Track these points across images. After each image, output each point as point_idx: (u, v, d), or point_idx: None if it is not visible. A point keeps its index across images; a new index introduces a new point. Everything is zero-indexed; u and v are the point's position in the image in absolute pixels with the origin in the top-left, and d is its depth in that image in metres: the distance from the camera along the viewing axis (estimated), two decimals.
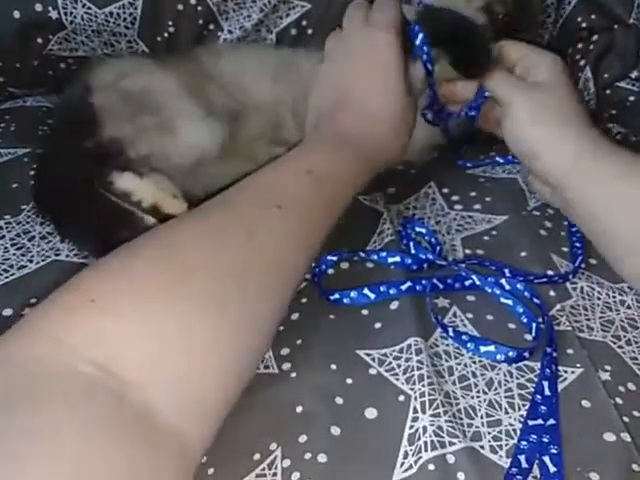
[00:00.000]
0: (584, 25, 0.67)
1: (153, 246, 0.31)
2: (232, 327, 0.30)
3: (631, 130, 0.62)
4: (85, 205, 0.45)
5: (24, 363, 0.25)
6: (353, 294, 0.41)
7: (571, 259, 0.46)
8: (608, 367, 0.37)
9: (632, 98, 0.65)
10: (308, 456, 0.33)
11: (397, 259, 0.44)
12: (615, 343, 0.39)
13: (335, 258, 0.45)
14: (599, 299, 0.42)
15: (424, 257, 0.45)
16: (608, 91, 0.66)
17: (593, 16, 0.66)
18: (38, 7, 0.56)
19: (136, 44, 0.60)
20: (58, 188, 0.46)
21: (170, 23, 0.59)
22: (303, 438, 0.34)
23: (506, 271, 0.44)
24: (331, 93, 0.44)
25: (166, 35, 0.60)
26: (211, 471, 0.33)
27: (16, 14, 0.56)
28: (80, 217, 0.45)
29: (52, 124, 0.55)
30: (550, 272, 0.44)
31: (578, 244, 0.46)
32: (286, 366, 0.38)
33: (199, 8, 0.59)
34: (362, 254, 0.45)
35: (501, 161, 0.57)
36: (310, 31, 0.62)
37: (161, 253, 0.31)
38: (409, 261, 0.44)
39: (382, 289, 0.41)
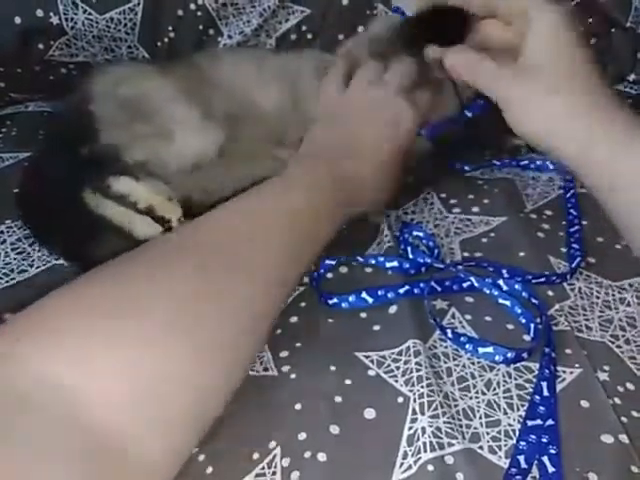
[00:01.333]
0: (581, 28, 0.67)
1: (118, 269, 0.32)
2: (189, 349, 0.30)
3: None
4: (66, 214, 0.45)
5: None
6: (351, 298, 0.42)
7: (568, 260, 0.46)
8: (607, 367, 0.37)
9: (630, 101, 0.65)
10: (308, 454, 0.33)
11: (395, 264, 0.44)
12: (613, 343, 0.39)
13: (334, 262, 0.45)
14: (598, 298, 0.43)
15: (422, 261, 0.45)
16: None
17: (590, 20, 0.67)
18: (39, 13, 0.57)
19: (136, 49, 0.61)
20: (41, 195, 0.47)
21: (170, 28, 0.60)
22: (302, 436, 0.34)
23: (504, 271, 0.44)
24: (343, 135, 0.47)
25: (166, 40, 0.61)
26: (209, 470, 0.33)
27: (17, 20, 0.57)
28: (60, 226, 0.46)
29: (46, 132, 0.55)
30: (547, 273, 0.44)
31: (576, 245, 0.46)
32: (285, 368, 0.38)
33: (199, 13, 0.60)
34: (360, 259, 0.45)
35: (497, 164, 0.57)
36: (310, 36, 0.62)
37: (132, 277, 0.31)
38: (407, 265, 0.44)
39: (380, 293, 0.42)
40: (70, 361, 0.26)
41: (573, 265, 0.44)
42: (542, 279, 0.43)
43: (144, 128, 0.47)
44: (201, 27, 0.60)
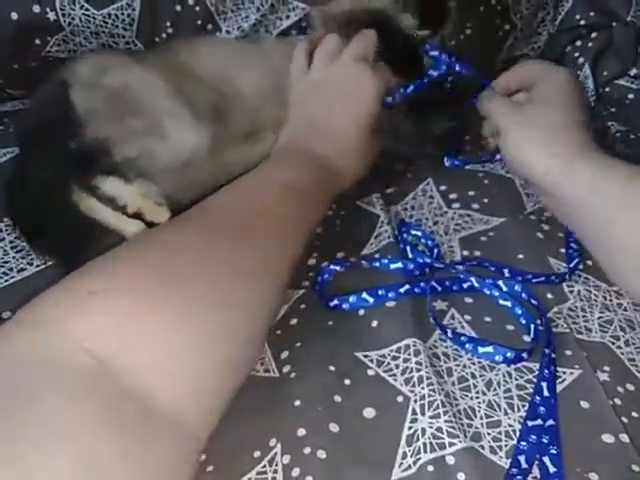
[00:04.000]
0: (583, 22, 0.67)
1: (151, 247, 0.33)
2: (225, 320, 0.31)
3: (630, 128, 0.62)
4: (56, 214, 0.44)
5: (23, 351, 0.25)
6: (352, 299, 0.41)
7: (567, 261, 0.46)
8: (607, 368, 0.37)
9: (631, 96, 0.65)
10: (307, 451, 0.33)
11: (399, 265, 0.44)
12: (614, 344, 0.39)
13: (338, 267, 0.45)
14: (596, 300, 0.43)
15: (422, 261, 0.45)
16: (607, 89, 0.66)
17: (592, 13, 0.66)
18: (36, 8, 0.56)
19: (134, 45, 0.60)
20: (30, 196, 0.45)
21: (168, 24, 0.59)
22: (302, 432, 0.34)
23: (505, 271, 0.44)
24: (310, 116, 0.48)
25: (164, 36, 0.60)
26: (210, 468, 0.33)
27: (14, 15, 0.56)
28: (51, 226, 0.44)
29: (28, 126, 0.50)
30: None
31: (574, 245, 0.46)
32: (286, 369, 0.38)
33: (197, 9, 0.59)
34: (364, 262, 0.45)
35: (487, 159, 0.56)
36: (309, 32, 0.62)
37: (159, 254, 0.32)
38: (411, 266, 0.44)
39: (380, 292, 0.41)
40: (109, 331, 0.27)
41: (571, 265, 0.44)
42: (542, 278, 0.43)
43: (136, 123, 0.46)
44: (199, 22, 0.60)
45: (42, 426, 0.23)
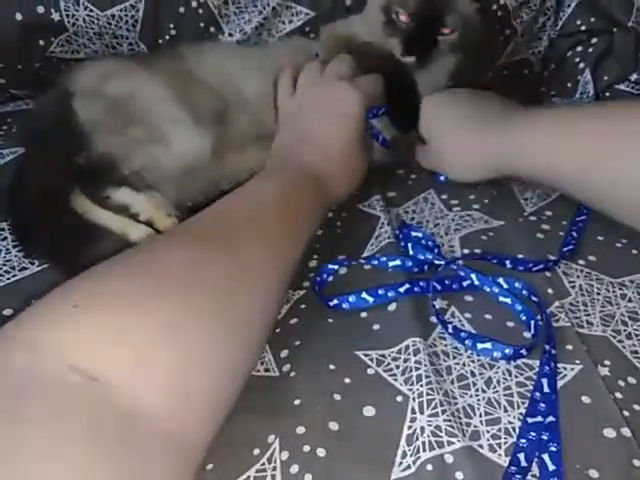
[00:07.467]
0: (583, 28, 0.67)
1: (139, 263, 0.32)
2: (219, 329, 0.31)
3: None
4: (55, 221, 0.45)
5: (15, 367, 0.25)
6: (352, 298, 0.41)
7: (563, 244, 0.46)
8: (607, 362, 0.37)
9: None
10: (307, 449, 0.33)
11: (397, 263, 0.44)
12: (615, 337, 0.39)
13: (336, 267, 0.45)
14: (599, 294, 0.42)
15: (423, 257, 0.44)
16: (607, 94, 0.67)
17: (592, 19, 0.67)
18: (40, 9, 0.57)
19: (137, 47, 0.61)
20: (29, 203, 0.46)
21: (171, 26, 0.60)
22: (301, 430, 0.34)
23: (507, 262, 0.44)
24: (298, 131, 0.49)
25: (167, 38, 0.61)
26: (210, 467, 0.33)
27: (18, 16, 0.57)
28: (50, 233, 0.45)
29: (31, 132, 0.51)
30: (548, 274, 0.44)
31: (574, 233, 0.47)
32: (286, 368, 0.38)
33: (200, 11, 0.60)
34: (362, 261, 0.45)
35: None
36: (313, 36, 0.62)
37: (146, 269, 0.32)
38: (410, 264, 0.44)
39: (380, 292, 0.41)
40: (94, 346, 0.26)
41: (565, 249, 0.45)
42: (541, 266, 0.44)
43: (138, 132, 0.47)
44: (202, 25, 0.60)
45: (26, 444, 0.22)
